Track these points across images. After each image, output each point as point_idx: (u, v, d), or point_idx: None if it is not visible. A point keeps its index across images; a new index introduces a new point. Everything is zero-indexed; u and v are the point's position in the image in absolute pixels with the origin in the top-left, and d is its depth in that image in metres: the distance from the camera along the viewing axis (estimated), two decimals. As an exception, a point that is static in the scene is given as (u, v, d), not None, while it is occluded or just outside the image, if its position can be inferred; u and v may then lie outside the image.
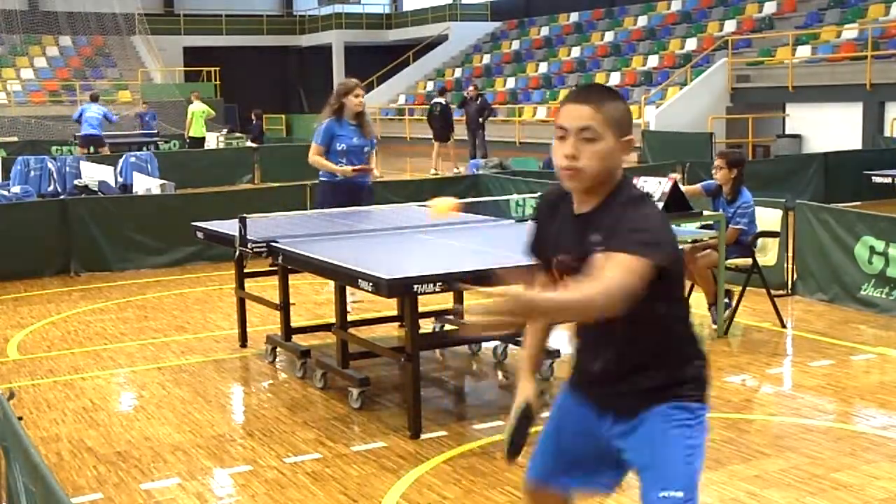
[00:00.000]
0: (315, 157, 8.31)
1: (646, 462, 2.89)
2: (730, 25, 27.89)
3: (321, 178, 8.49)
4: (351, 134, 8.30)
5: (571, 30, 34.62)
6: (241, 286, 7.56)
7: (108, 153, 19.92)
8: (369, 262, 5.54)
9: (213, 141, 25.25)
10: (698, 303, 7.94)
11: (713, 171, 7.75)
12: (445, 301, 7.66)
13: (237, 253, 6.82)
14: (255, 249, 6.49)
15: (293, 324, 7.31)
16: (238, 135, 27.59)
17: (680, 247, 6.26)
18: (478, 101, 23.01)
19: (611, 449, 3.01)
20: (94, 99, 22.21)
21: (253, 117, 28.18)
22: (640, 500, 2.86)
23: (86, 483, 5.00)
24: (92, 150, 20.39)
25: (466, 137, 23.29)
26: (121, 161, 17.10)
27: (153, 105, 27.22)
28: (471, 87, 24.17)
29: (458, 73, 36.94)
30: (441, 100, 22.87)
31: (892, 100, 20.36)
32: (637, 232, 2.73)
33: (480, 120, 22.83)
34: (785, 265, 8.72)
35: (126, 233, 11.10)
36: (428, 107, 23.17)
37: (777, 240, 7.84)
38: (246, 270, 7.53)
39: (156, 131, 25.05)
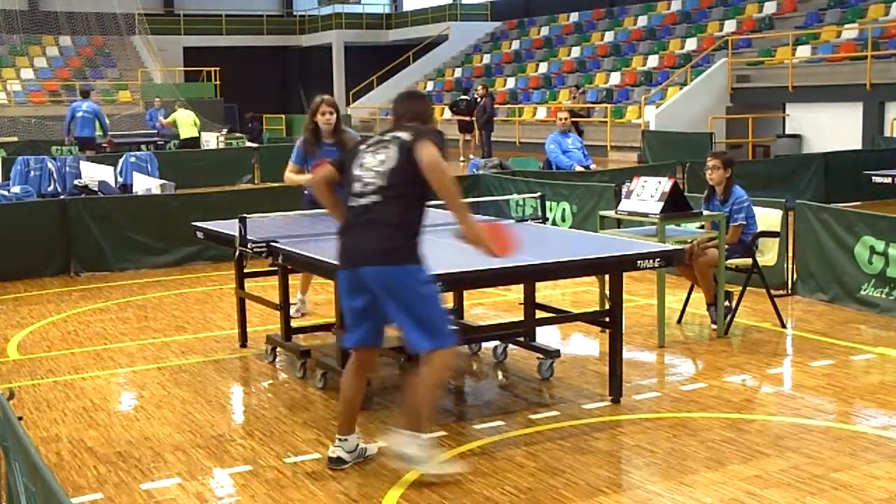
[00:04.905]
0: (288, 175, 7.84)
1: None
2: (730, 25, 27.90)
3: (304, 194, 8.06)
4: (328, 153, 7.57)
5: (571, 30, 34.62)
6: (241, 286, 7.56)
7: (96, 153, 19.66)
8: (369, 262, 5.53)
9: (213, 141, 25.20)
10: (698, 303, 7.95)
11: (707, 172, 7.77)
12: (445, 301, 7.65)
13: (237, 253, 6.82)
14: (255, 249, 6.49)
15: (293, 324, 7.32)
16: (238, 135, 27.53)
17: (682, 245, 6.58)
18: (481, 101, 23.25)
19: None
20: (86, 95, 21.26)
21: (248, 119, 28.14)
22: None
23: (86, 483, 5.00)
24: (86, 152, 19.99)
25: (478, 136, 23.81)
26: (121, 161, 17.08)
27: (165, 102, 27.12)
28: (479, 87, 24.33)
29: (458, 73, 36.95)
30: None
31: (892, 100, 20.37)
32: None
33: (483, 120, 23.11)
34: (785, 265, 8.72)
35: (126, 233, 11.11)
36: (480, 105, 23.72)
37: (777, 240, 7.84)
38: (246, 270, 7.53)
39: (156, 130, 25.00)
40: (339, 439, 5.11)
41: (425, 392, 4.84)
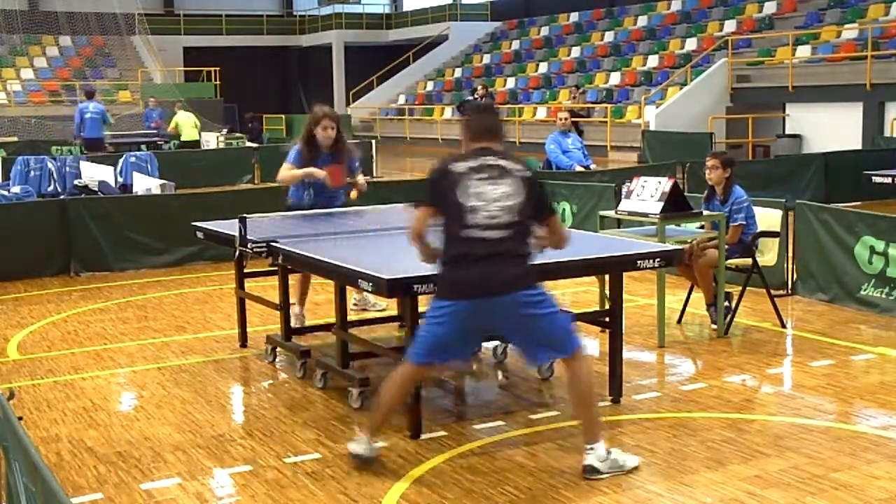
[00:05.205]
0: (283, 174, 7.69)
1: None
2: (730, 25, 27.90)
3: (288, 202, 7.98)
4: (325, 161, 7.68)
5: (571, 30, 34.63)
6: (241, 286, 7.56)
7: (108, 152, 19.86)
8: (369, 262, 5.54)
9: (213, 141, 25.20)
10: (698, 303, 7.95)
11: (706, 172, 7.78)
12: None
13: (237, 253, 6.82)
14: (255, 249, 6.49)
15: (293, 324, 7.32)
16: (238, 135, 27.50)
17: (682, 245, 6.63)
18: (481, 102, 23.24)
19: None
20: (91, 96, 21.61)
21: (248, 119, 28.07)
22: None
23: (86, 483, 5.00)
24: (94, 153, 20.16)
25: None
26: (121, 161, 17.08)
27: (160, 102, 27.09)
28: (479, 87, 24.31)
29: (458, 73, 36.95)
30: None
31: (892, 100, 20.37)
32: None
33: None
34: (785, 265, 8.72)
35: (126, 233, 11.11)
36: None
37: (777, 240, 7.84)
38: (246, 270, 7.53)
39: (156, 130, 24.98)
40: (368, 439, 5.09)
41: (587, 398, 4.95)
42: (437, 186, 4.85)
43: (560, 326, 4.92)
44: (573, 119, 17.57)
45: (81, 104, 21.50)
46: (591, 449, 4.91)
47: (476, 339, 5.00)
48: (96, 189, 15.41)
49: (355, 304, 8.34)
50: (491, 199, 4.77)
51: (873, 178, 12.21)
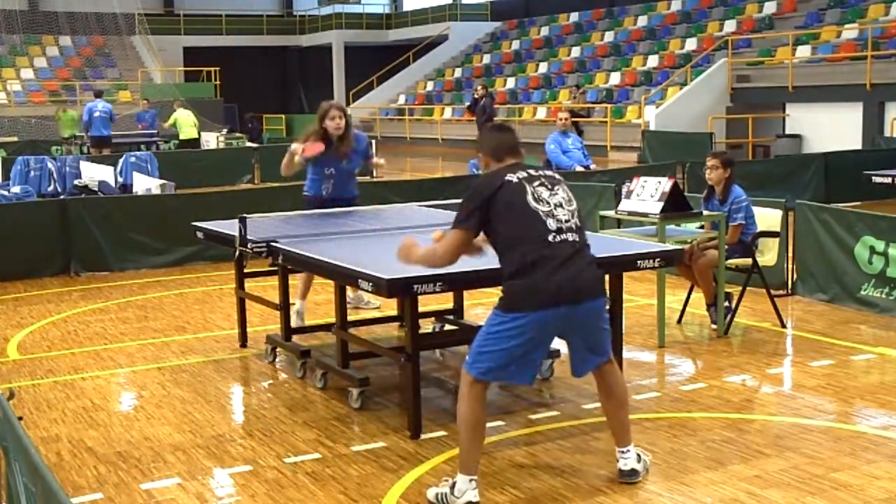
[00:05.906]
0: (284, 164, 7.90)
1: None
2: (730, 25, 27.91)
3: (304, 194, 8.17)
4: (337, 158, 7.92)
5: (571, 30, 34.63)
6: (241, 286, 7.56)
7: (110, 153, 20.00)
8: (369, 262, 5.54)
9: (213, 141, 25.19)
10: (698, 303, 7.95)
11: (706, 171, 7.78)
12: (445, 301, 7.66)
13: (237, 253, 6.82)
14: (255, 249, 6.49)
15: (293, 324, 7.32)
16: (238, 135, 27.49)
17: (682, 245, 6.58)
18: (481, 101, 23.20)
19: None
20: (99, 95, 22.10)
21: (248, 119, 28.06)
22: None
23: (86, 483, 5.00)
24: (101, 152, 20.27)
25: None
26: (121, 161, 17.09)
27: (153, 104, 27.07)
28: (479, 87, 24.27)
29: (458, 73, 36.96)
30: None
31: (892, 100, 20.37)
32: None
33: (483, 120, 23.03)
34: (785, 265, 8.72)
35: (126, 233, 11.11)
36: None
37: (777, 240, 7.84)
38: (246, 270, 7.53)
39: (156, 131, 24.97)
40: (466, 478, 4.56)
41: (626, 401, 4.94)
42: (495, 199, 4.55)
43: (609, 332, 4.86)
44: (573, 119, 17.59)
45: (90, 104, 22.00)
46: (626, 451, 4.85)
47: (543, 352, 4.75)
48: (96, 189, 15.42)
49: (349, 302, 8.35)
50: (556, 203, 4.63)
51: (873, 178, 12.20)
